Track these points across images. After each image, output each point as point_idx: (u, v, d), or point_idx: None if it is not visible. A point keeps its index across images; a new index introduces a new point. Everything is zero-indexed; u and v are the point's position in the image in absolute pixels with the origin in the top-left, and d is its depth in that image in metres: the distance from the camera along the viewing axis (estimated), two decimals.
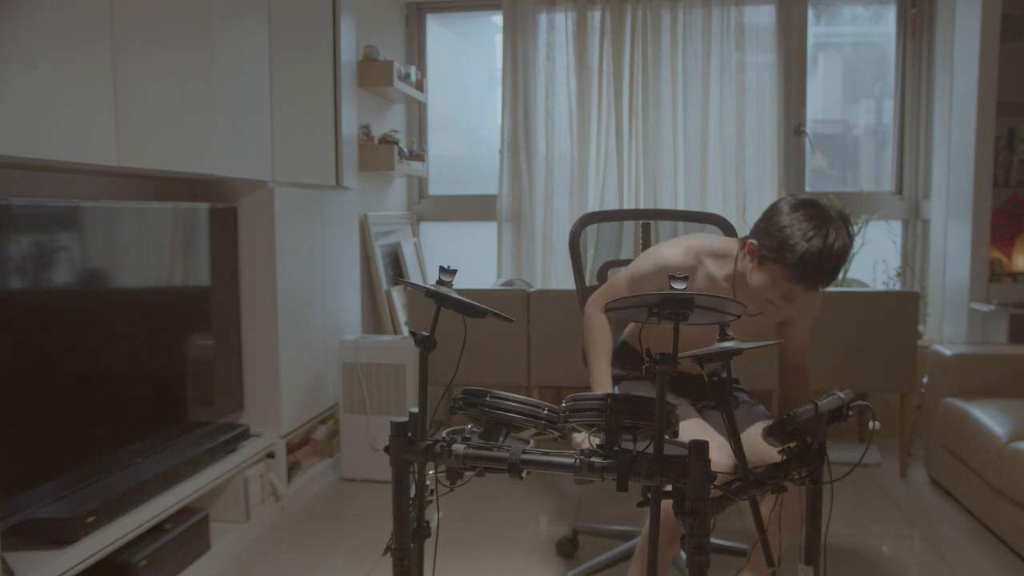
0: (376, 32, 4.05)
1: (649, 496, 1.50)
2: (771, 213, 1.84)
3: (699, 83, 4.09)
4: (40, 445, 2.05)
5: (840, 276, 2.24)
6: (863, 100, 4.43)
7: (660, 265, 2.00)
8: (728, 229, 2.51)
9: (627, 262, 2.58)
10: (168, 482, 2.42)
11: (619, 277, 2.13)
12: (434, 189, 4.61)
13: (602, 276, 2.59)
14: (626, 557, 2.45)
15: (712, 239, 2.05)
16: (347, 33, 3.48)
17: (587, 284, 2.52)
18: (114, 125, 2.11)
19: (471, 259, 4.48)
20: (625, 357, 2.27)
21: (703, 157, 4.11)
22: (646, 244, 2.57)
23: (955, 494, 3.10)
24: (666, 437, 1.43)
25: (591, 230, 2.64)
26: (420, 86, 4.24)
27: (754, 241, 1.86)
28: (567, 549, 2.68)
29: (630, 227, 2.63)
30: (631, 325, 2.31)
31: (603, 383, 2.06)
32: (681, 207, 4.13)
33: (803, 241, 1.74)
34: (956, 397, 3.11)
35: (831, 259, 1.75)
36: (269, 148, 2.91)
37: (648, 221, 2.59)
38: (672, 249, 2.02)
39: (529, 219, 4.24)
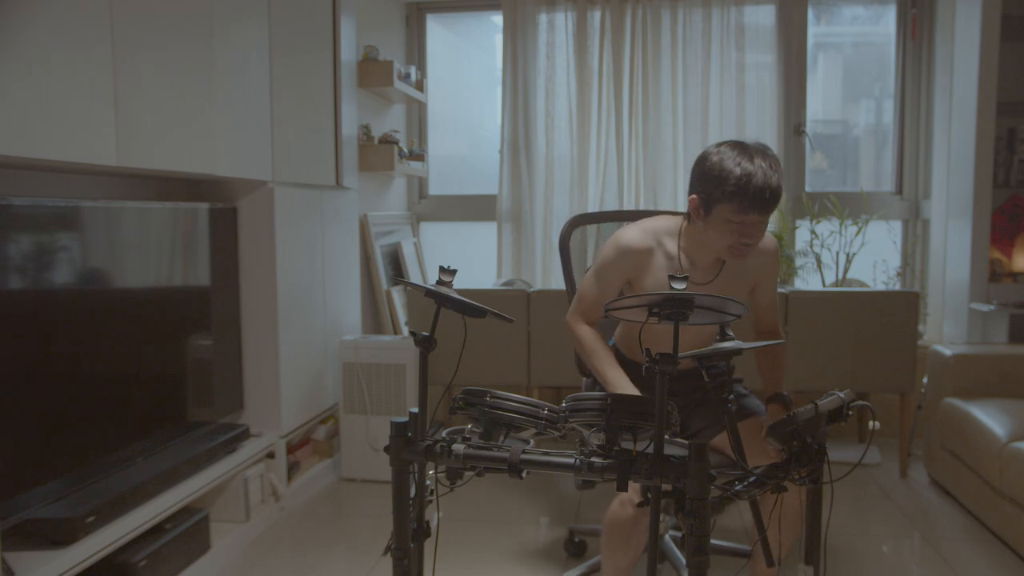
0: (376, 32, 4.05)
1: (649, 496, 1.49)
2: (698, 164, 1.89)
3: (699, 83, 4.09)
4: (40, 445, 2.05)
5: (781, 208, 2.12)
6: (863, 100, 4.43)
7: (620, 248, 2.01)
8: None
9: None
10: (168, 482, 2.42)
11: (586, 277, 2.11)
12: (434, 189, 4.61)
13: None
14: None
15: (668, 219, 2.07)
16: (347, 33, 3.48)
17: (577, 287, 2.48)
18: (114, 125, 2.11)
19: (471, 259, 4.48)
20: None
21: None
22: None
23: (955, 494, 3.10)
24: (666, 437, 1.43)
25: (591, 230, 2.62)
26: (420, 86, 4.24)
27: (694, 196, 1.90)
28: (576, 549, 2.68)
29: None
30: (619, 330, 2.27)
31: (625, 388, 1.96)
32: (681, 207, 4.12)
33: (736, 168, 1.79)
34: (956, 397, 3.11)
35: (765, 174, 1.80)
36: (269, 148, 2.91)
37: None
38: (630, 231, 2.03)
39: (529, 219, 4.24)
